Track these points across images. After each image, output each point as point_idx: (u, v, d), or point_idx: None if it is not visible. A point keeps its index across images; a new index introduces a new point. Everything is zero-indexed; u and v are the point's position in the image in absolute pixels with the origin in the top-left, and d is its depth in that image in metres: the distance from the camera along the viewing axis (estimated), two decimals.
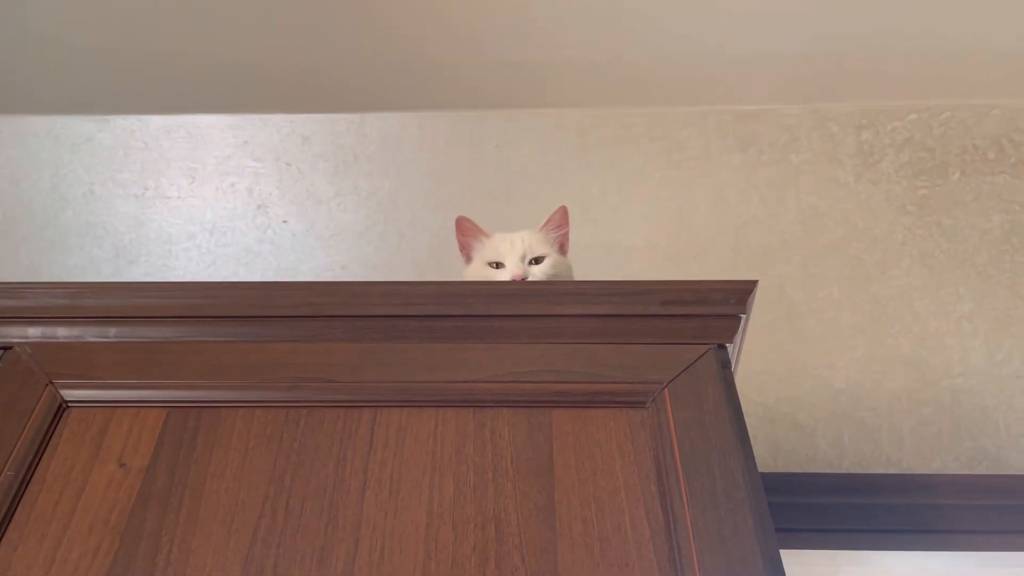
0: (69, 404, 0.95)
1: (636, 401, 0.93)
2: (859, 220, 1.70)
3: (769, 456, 1.59)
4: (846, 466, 1.58)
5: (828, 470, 1.57)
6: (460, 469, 0.89)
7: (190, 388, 0.96)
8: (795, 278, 1.69)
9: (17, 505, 0.87)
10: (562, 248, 1.28)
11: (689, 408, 0.92)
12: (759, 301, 1.64)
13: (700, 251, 1.72)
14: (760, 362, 1.63)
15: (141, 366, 0.98)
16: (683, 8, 1.58)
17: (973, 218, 1.68)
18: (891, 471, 1.56)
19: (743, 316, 1.01)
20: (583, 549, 0.82)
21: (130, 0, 1.58)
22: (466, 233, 1.27)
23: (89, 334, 1.02)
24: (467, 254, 1.28)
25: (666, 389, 0.94)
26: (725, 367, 0.98)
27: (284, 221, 1.78)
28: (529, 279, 1.19)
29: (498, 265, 1.22)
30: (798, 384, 1.64)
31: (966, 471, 1.54)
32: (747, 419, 1.55)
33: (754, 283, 1.02)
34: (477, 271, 1.24)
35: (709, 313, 1.01)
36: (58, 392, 0.95)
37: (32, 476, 0.89)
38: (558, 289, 1.07)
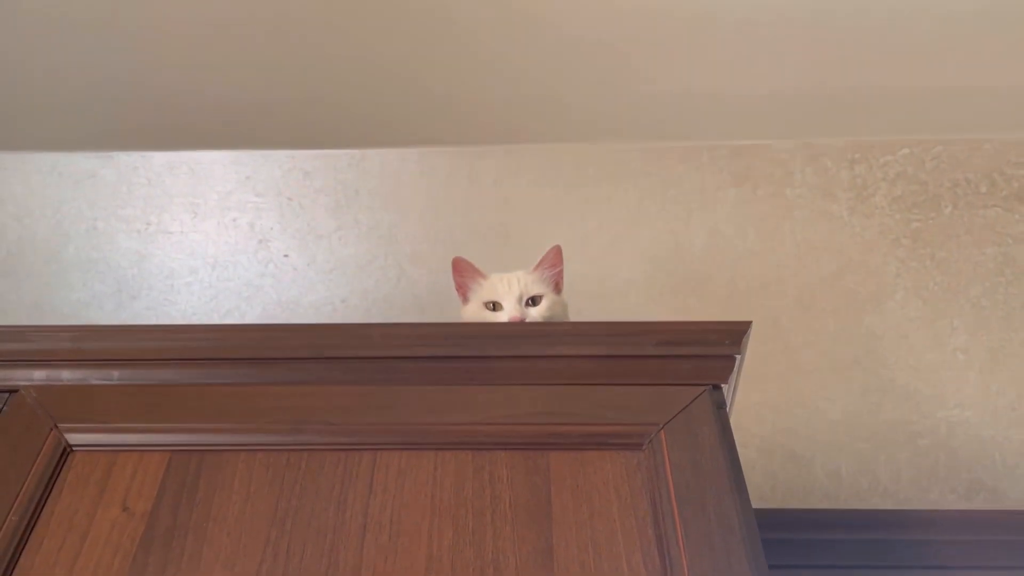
0: (73, 448, 0.96)
1: (633, 443, 0.95)
2: (853, 253, 1.72)
3: (767, 488, 1.61)
4: (844, 497, 1.59)
5: (826, 501, 1.58)
6: (459, 512, 0.90)
7: (193, 432, 0.97)
8: (791, 310, 1.71)
9: (22, 549, 0.88)
10: (557, 287, 1.29)
11: (685, 450, 0.93)
12: (756, 333, 1.67)
13: (697, 284, 1.74)
14: (757, 393, 1.64)
15: (144, 409, 0.99)
16: (676, 46, 1.60)
17: (966, 251, 1.70)
18: (888, 502, 1.57)
19: (738, 356, 1.03)
20: None
21: (132, 38, 1.61)
22: (463, 274, 1.28)
23: (93, 377, 1.03)
24: (464, 295, 1.28)
25: (662, 431, 0.95)
26: (720, 408, 0.99)
27: (285, 255, 1.80)
28: (527, 320, 1.20)
29: (495, 306, 1.23)
30: (795, 416, 1.65)
31: (963, 503, 1.56)
32: (745, 451, 1.57)
33: (748, 324, 1.04)
34: (474, 312, 1.25)
35: (704, 354, 1.03)
36: (63, 436, 0.97)
37: (37, 520, 0.90)
38: (555, 330, 1.09)
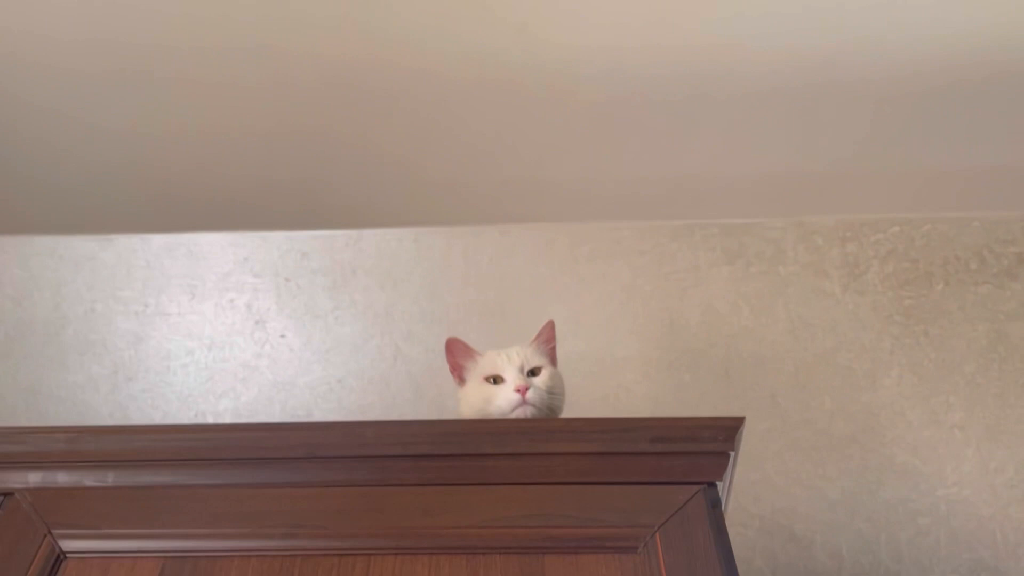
0: (67, 555, 0.96)
1: (628, 546, 0.94)
2: (847, 330, 1.73)
3: (768, 569, 1.59)
4: None
5: None
6: None
7: (186, 537, 0.97)
8: (787, 387, 1.71)
9: None
10: (553, 360, 1.29)
11: (680, 554, 0.93)
12: (752, 410, 1.68)
13: (692, 361, 1.74)
14: (756, 472, 1.64)
15: (138, 514, 0.99)
16: (667, 128, 1.63)
17: (959, 327, 1.71)
18: None
19: (732, 453, 1.03)
20: None
21: (131, 122, 1.63)
22: (457, 355, 1.27)
23: (88, 479, 1.03)
24: (459, 375, 1.28)
25: (657, 533, 0.95)
26: (715, 507, 0.99)
27: (282, 336, 1.81)
28: (531, 388, 1.18)
29: (496, 379, 1.21)
30: (794, 494, 1.64)
31: None
32: (744, 531, 1.58)
33: (741, 420, 1.04)
34: (474, 391, 1.23)
35: (698, 451, 1.03)
36: (56, 543, 0.96)
37: None
38: (549, 426, 1.09)
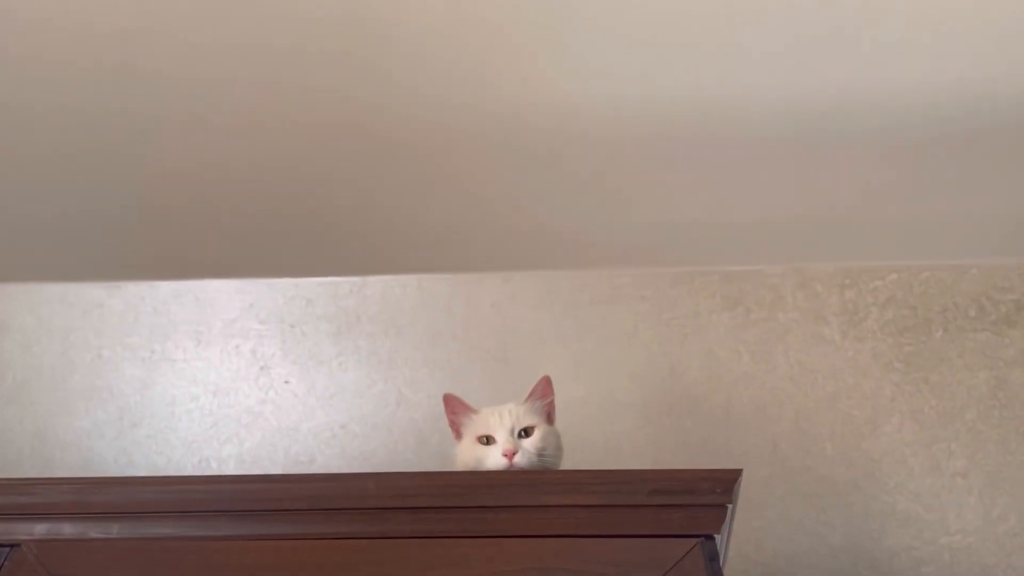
0: None
1: None
2: (847, 376, 1.74)
3: None
4: None
5: None
6: None
7: None
8: (788, 434, 1.72)
9: None
10: (549, 417, 1.29)
11: None
12: (753, 456, 1.68)
13: (692, 407, 1.75)
14: (757, 519, 1.64)
15: (141, 568, 1.00)
16: (667, 175, 1.65)
17: (959, 374, 1.72)
18: None
19: (730, 506, 1.04)
20: None
21: (140, 170, 1.65)
22: (454, 411, 1.30)
23: (93, 531, 1.04)
24: (457, 431, 1.30)
25: None
26: (713, 560, 1.00)
27: (286, 382, 1.82)
28: (519, 452, 1.19)
29: (488, 440, 1.23)
30: (796, 541, 1.64)
31: None
32: None
33: (739, 472, 1.05)
34: (467, 449, 1.25)
35: (696, 503, 1.04)
36: None
37: None
38: (547, 479, 1.10)
